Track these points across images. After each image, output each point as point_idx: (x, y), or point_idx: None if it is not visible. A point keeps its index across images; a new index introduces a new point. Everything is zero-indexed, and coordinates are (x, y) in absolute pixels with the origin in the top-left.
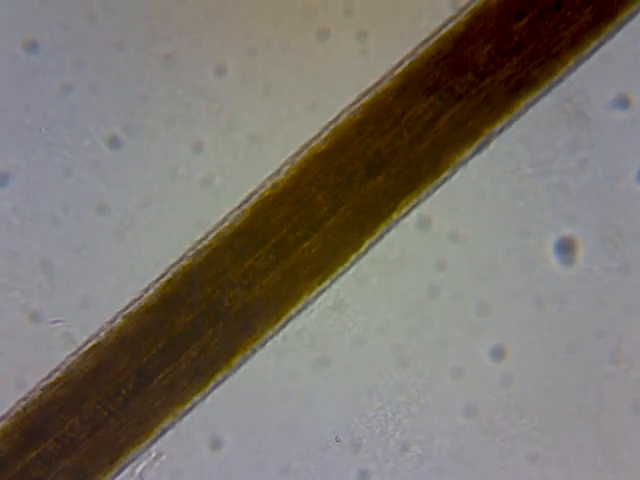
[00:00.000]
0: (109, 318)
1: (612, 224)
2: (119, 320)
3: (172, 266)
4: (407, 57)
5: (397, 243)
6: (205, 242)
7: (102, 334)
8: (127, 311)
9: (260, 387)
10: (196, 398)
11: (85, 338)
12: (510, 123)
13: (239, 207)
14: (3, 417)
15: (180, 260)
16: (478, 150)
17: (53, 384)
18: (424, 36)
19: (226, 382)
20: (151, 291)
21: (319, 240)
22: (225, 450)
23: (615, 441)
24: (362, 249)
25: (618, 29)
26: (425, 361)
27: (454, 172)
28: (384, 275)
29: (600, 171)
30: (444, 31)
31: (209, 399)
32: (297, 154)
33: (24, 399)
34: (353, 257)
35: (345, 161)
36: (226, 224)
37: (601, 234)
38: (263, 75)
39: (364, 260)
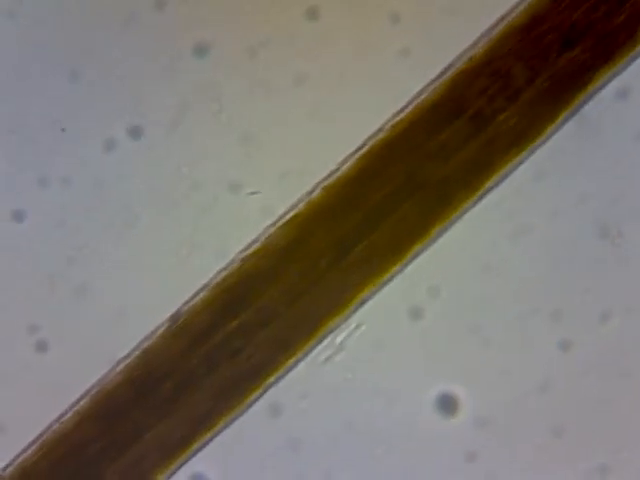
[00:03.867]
0: (307, 189)
1: None
2: (317, 192)
3: (369, 138)
4: None
5: (595, 115)
6: (402, 115)
7: (300, 206)
8: (325, 183)
9: (460, 258)
10: (395, 269)
11: (284, 209)
12: None
13: (436, 80)
14: (204, 287)
15: (377, 133)
16: None
17: (252, 255)
18: None
19: (426, 252)
20: (349, 163)
21: (516, 112)
22: (426, 320)
23: None
24: (558, 121)
25: None
26: (627, 228)
27: None
28: (583, 147)
29: None
30: None
31: (409, 269)
32: (493, 27)
33: (224, 269)
34: (549, 129)
35: (541, 33)
36: (423, 97)
37: None
38: None
39: (560, 132)
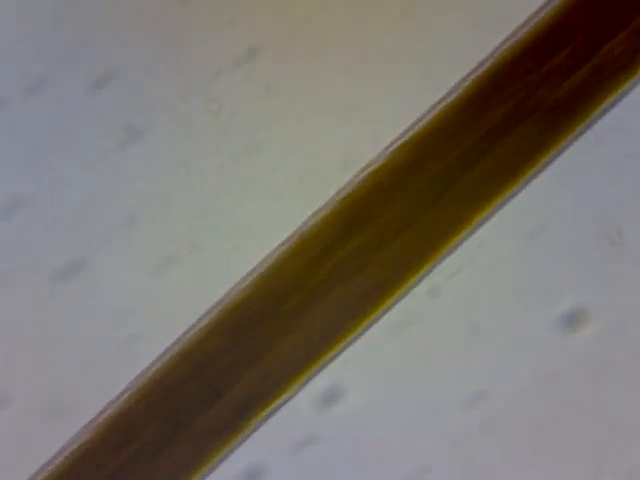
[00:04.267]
0: (420, 114)
1: None
2: (431, 115)
3: (479, 66)
4: None
5: None
6: (509, 42)
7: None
8: (443, 103)
9: (582, 176)
10: (514, 187)
11: (397, 133)
12: None
13: (544, 8)
14: (319, 209)
15: (487, 59)
16: None
17: (372, 174)
18: None
19: (545, 171)
20: (460, 89)
21: (624, 40)
22: (543, 237)
23: None
24: None
25: None
26: None
27: None
28: None
29: None
30: None
31: (528, 189)
32: None
33: (344, 189)
34: None
35: None
36: (529, 26)
37: None
38: None
39: None
